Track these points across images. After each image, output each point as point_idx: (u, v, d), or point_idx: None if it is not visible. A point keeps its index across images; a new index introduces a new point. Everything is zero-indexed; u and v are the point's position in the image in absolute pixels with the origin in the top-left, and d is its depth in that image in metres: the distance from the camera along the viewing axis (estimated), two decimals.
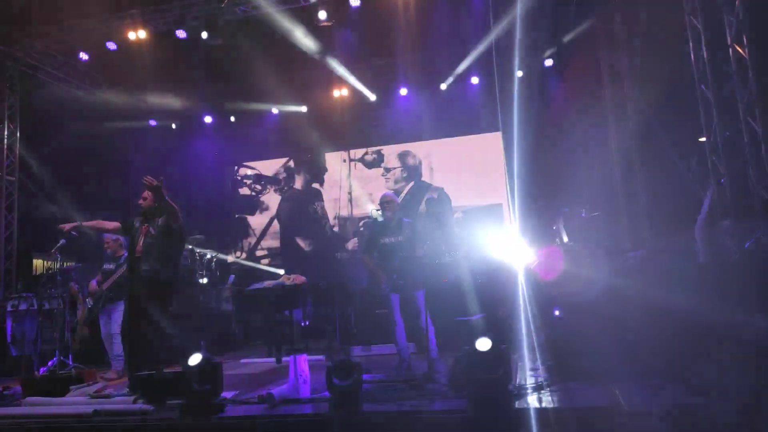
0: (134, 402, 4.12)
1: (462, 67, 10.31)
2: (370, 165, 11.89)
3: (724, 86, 4.07)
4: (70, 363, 6.34)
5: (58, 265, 6.62)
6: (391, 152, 11.76)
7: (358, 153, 11.98)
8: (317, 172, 12.17)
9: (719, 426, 2.44)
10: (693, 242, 4.75)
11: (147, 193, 5.02)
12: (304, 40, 9.16)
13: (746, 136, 3.96)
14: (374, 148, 11.87)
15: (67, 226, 5.01)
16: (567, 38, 9.97)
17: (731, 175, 3.82)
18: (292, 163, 12.36)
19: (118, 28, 8.72)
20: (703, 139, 4.04)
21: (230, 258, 7.95)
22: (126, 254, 6.43)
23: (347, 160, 12.03)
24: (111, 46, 8.81)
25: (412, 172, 11.57)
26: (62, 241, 6.47)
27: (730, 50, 4.04)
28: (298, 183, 12.27)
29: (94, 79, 10.56)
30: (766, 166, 3.77)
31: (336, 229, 11.60)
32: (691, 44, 4.19)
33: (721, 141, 3.86)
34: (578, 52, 10.37)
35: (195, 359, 3.94)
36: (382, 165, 11.72)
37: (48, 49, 9.31)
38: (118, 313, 6.30)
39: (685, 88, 4.53)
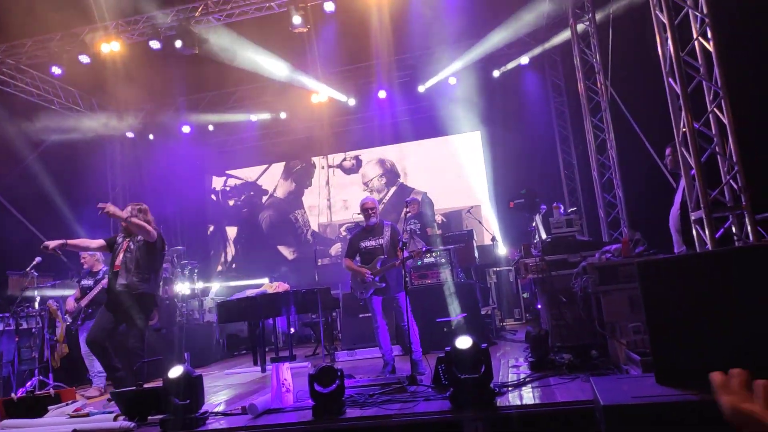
0: (115, 419, 4.06)
1: (440, 68, 10.36)
2: (348, 171, 11.89)
3: (692, 79, 4.12)
4: (51, 382, 6.23)
5: (34, 284, 6.51)
6: (370, 157, 11.78)
7: (336, 159, 11.99)
8: (300, 180, 12.15)
9: (692, 419, 2.45)
10: (668, 233, 4.82)
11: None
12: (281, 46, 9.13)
13: (714, 128, 4.02)
14: (353, 153, 11.88)
15: (52, 244, 4.96)
16: (543, 35, 10.09)
17: (701, 167, 3.87)
18: (273, 170, 12.32)
19: (90, 41, 8.62)
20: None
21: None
22: (104, 269, 6.38)
23: (326, 167, 12.03)
24: (84, 59, 8.70)
25: (392, 176, 11.59)
26: (38, 259, 6.37)
27: (696, 44, 4.09)
28: (279, 191, 12.23)
29: (68, 93, 10.44)
30: (734, 157, 3.82)
31: (316, 235, 11.58)
32: (658, 39, 4.23)
33: (690, 133, 3.91)
34: (554, 49, 10.50)
35: (175, 372, 3.89)
36: (360, 171, 11.75)
37: (20, 63, 9.18)
38: None
39: (656, 81, 4.58)
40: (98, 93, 10.56)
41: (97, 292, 6.19)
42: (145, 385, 4.31)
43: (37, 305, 6.64)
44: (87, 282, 6.33)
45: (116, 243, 5.18)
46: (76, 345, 6.40)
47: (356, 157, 11.87)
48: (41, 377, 6.27)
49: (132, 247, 5.07)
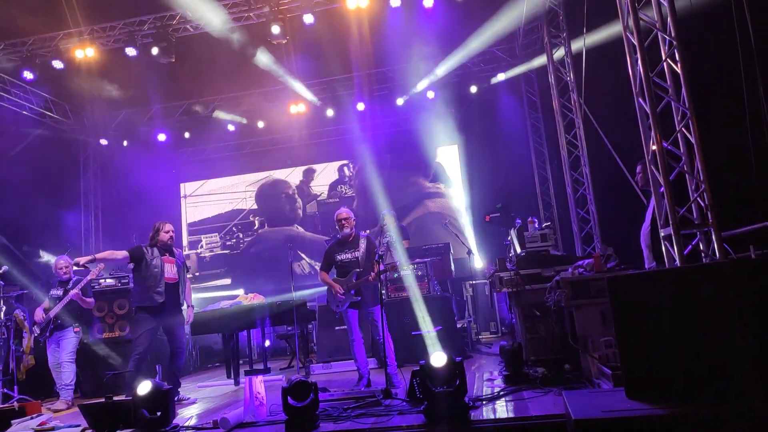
0: None
1: (418, 82, 10.47)
2: (326, 181, 11.91)
3: (661, 100, 4.24)
4: (15, 395, 6.04)
5: (1, 293, 6.33)
6: (347, 168, 11.80)
7: (316, 168, 11.98)
8: (280, 188, 12.11)
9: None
10: (639, 249, 4.93)
11: (170, 227, 5.64)
12: (259, 56, 9.12)
13: (682, 147, 4.14)
14: (333, 163, 11.90)
15: (83, 261, 5.18)
16: (519, 52, 10.29)
17: (669, 185, 3.98)
18: (250, 180, 12.25)
19: (64, 46, 8.50)
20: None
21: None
22: (75, 278, 6.24)
23: (304, 176, 12.02)
24: (57, 64, 8.56)
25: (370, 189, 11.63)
26: (4, 268, 6.22)
27: (665, 65, 4.22)
28: (257, 200, 12.16)
29: (40, 98, 10.24)
30: (701, 175, 3.94)
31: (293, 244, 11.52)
32: (628, 59, 4.36)
33: (659, 152, 4.02)
34: (530, 65, 10.70)
35: (144, 387, 3.82)
36: (339, 186, 11.76)
37: None
38: (68, 340, 6.09)
39: (626, 99, 4.71)
40: (72, 99, 10.38)
41: (66, 302, 6.04)
42: (114, 398, 4.20)
43: (2, 315, 6.44)
44: (56, 292, 6.17)
45: (145, 255, 5.39)
46: (44, 357, 6.22)
47: (338, 167, 11.87)
48: (5, 390, 6.08)
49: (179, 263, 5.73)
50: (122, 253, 5.41)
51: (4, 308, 6.44)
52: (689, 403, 2.67)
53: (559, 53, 8.37)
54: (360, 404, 4.18)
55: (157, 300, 5.29)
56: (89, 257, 5.24)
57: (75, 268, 5.35)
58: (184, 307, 5.71)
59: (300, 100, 10.85)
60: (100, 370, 6.71)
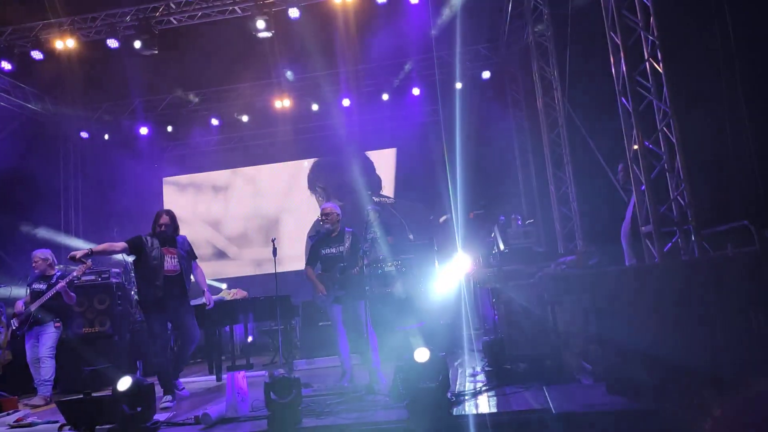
0: (59, 430, 3.90)
1: (404, 78, 10.48)
2: (311, 177, 11.86)
3: (643, 99, 4.30)
4: None
5: None
6: (333, 163, 11.77)
7: (301, 164, 11.93)
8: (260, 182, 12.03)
9: (640, 427, 2.55)
10: (620, 246, 5.00)
11: (165, 218, 5.26)
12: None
13: (663, 145, 4.20)
14: (315, 159, 11.86)
15: (79, 254, 4.96)
16: (504, 50, 10.35)
17: (650, 183, 4.04)
18: (233, 174, 12.15)
19: (44, 36, 8.33)
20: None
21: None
22: (58, 273, 6.14)
23: (289, 172, 11.97)
24: (37, 55, 8.39)
25: (356, 182, 11.60)
26: None
27: (647, 65, 4.28)
28: (241, 194, 12.07)
29: (19, 89, 10.03)
30: (682, 174, 4.01)
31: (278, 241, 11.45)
32: (611, 58, 4.41)
33: (640, 151, 4.08)
34: (514, 64, 10.77)
35: (125, 383, 3.77)
36: (319, 183, 11.73)
37: None
38: (48, 335, 5.99)
39: (609, 98, 4.76)
40: (52, 91, 10.18)
41: (49, 296, 5.93)
42: (94, 394, 4.15)
43: None
44: (39, 286, 6.06)
45: (145, 246, 5.13)
46: (22, 352, 6.10)
47: (318, 162, 11.83)
48: None
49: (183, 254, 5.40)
50: (121, 245, 5.14)
51: None
52: (665, 398, 2.72)
53: (543, 49, 8.41)
54: (343, 399, 4.18)
55: (157, 294, 5.03)
56: (85, 251, 4.99)
57: (72, 262, 5.08)
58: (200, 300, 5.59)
59: (285, 95, 10.78)
60: (79, 366, 6.61)
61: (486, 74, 10.54)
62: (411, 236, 7.59)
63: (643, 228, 4.11)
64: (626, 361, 2.97)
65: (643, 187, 4.09)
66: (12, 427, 4.13)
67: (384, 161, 11.61)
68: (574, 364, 4.11)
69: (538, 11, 8.36)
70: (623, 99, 4.32)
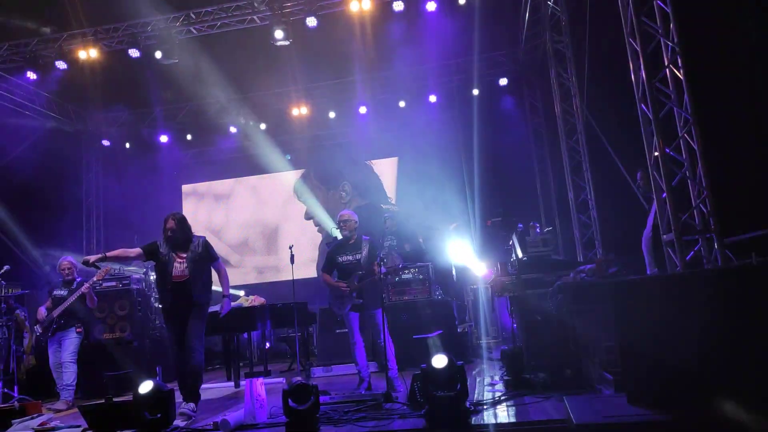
0: None
1: (421, 86, 10.51)
2: (328, 184, 11.91)
3: (663, 105, 4.25)
4: (15, 395, 6.03)
5: (2, 292, 6.34)
6: (349, 170, 11.81)
7: (317, 171, 12.00)
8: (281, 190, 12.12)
9: None
10: (640, 254, 4.93)
11: (171, 222, 4.97)
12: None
13: (684, 153, 4.15)
14: (332, 166, 11.91)
15: (93, 258, 4.85)
16: (522, 57, 10.33)
17: (672, 191, 3.98)
18: (252, 181, 12.26)
19: (68, 47, 8.53)
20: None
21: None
22: (79, 279, 6.24)
23: (306, 178, 12.04)
24: (61, 65, 8.59)
25: (371, 190, 11.62)
26: (6, 267, 6.22)
27: (667, 71, 4.24)
28: (260, 201, 12.17)
29: (43, 99, 10.27)
30: (704, 181, 3.95)
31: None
32: (631, 65, 4.37)
33: (661, 158, 4.03)
34: (532, 71, 10.73)
35: (146, 387, 3.82)
36: (342, 184, 11.77)
37: None
38: (70, 340, 6.09)
39: (629, 105, 4.72)
40: (75, 100, 10.40)
41: (72, 301, 6.04)
42: (115, 399, 4.20)
43: (3, 315, 6.45)
44: (60, 292, 6.17)
45: (158, 252, 4.96)
46: (45, 357, 6.21)
47: (337, 170, 11.89)
48: (6, 390, 6.07)
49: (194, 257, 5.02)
50: (135, 251, 4.99)
51: (5, 308, 6.45)
52: (689, 409, 2.67)
53: (561, 56, 8.37)
54: (361, 407, 4.18)
55: (167, 300, 4.90)
56: (99, 255, 4.89)
57: (84, 266, 5.06)
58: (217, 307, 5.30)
59: (302, 102, 10.87)
60: (100, 371, 6.70)
61: (503, 81, 10.52)
62: (421, 239, 7.58)
63: (664, 236, 4.06)
64: (649, 372, 2.92)
65: (664, 195, 4.03)
66: (36, 430, 4.20)
67: (398, 168, 11.61)
68: (595, 374, 4.06)
69: (556, 18, 8.34)
70: (643, 106, 4.27)
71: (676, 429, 2.53)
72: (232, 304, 6.84)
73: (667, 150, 4.12)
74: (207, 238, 5.12)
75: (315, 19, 8.05)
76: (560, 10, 8.19)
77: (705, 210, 3.96)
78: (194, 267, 4.90)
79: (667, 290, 3.00)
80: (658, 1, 4.23)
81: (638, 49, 4.23)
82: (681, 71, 4.10)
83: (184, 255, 4.94)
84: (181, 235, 4.97)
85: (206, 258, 5.03)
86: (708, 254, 3.96)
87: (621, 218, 6.88)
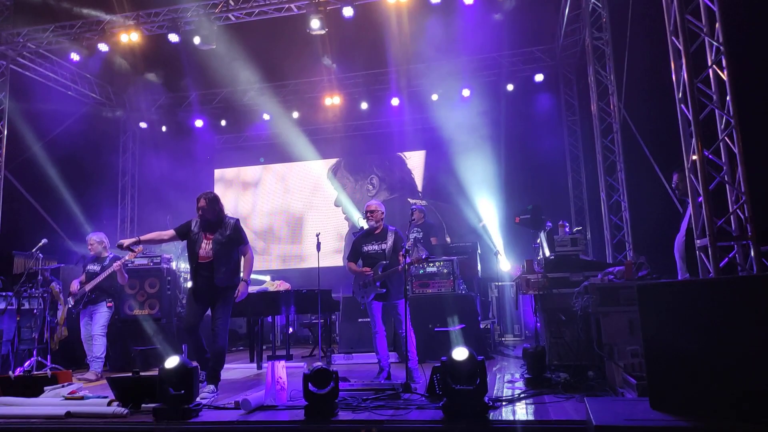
0: (109, 404, 4.08)
1: (455, 79, 10.43)
2: (357, 175, 11.95)
3: (704, 107, 4.13)
4: (48, 363, 6.28)
5: (39, 265, 6.58)
6: (379, 162, 11.83)
7: (347, 162, 12.05)
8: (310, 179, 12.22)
9: None
10: (672, 259, 4.81)
11: (203, 202, 4.93)
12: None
13: (724, 156, 4.02)
14: (363, 157, 11.95)
15: (127, 242, 4.85)
16: (559, 53, 10.15)
17: (709, 195, 3.87)
18: (280, 168, 12.39)
19: (110, 30, 8.74)
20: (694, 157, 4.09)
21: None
22: (111, 256, 6.44)
23: (336, 169, 12.10)
24: (103, 47, 8.80)
25: (400, 183, 11.62)
26: (44, 241, 6.45)
27: (710, 72, 4.10)
28: (287, 189, 12.29)
29: (85, 80, 10.56)
30: (743, 186, 3.83)
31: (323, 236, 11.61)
32: (672, 64, 4.25)
33: (699, 161, 3.91)
34: (569, 68, 10.54)
35: (171, 363, 3.92)
36: (370, 177, 11.79)
37: (40, 48, 9.31)
38: (100, 314, 6.30)
39: (668, 105, 4.59)
40: (115, 82, 10.67)
41: (103, 278, 6.24)
42: (141, 373, 4.33)
43: (40, 287, 6.69)
44: (93, 267, 6.38)
45: (191, 232, 4.95)
46: (76, 329, 6.44)
47: (366, 159, 11.91)
48: (39, 358, 6.32)
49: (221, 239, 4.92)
50: (169, 233, 5.01)
51: (41, 279, 6.69)
52: (715, 418, 2.61)
53: (600, 53, 8.19)
54: (379, 396, 4.21)
55: (192, 279, 4.90)
56: (133, 239, 4.89)
57: (119, 249, 5.09)
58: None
59: (335, 92, 10.91)
60: (129, 346, 6.91)
61: (539, 77, 10.36)
62: (448, 239, 7.56)
63: (698, 241, 3.94)
64: (675, 377, 2.86)
65: (701, 199, 3.92)
66: (66, 398, 4.36)
67: (428, 161, 11.57)
68: (617, 377, 4.00)
69: (597, 14, 8.16)
70: (683, 107, 4.15)
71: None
72: (257, 288, 6.98)
73: (706, 153, 3.99)
74: (239, 221, 5.04)
75: (351, 9, 8.05)
76: (601, 6, 8.01)
77: (742, 216, 3.83)
78: (219, 249, 4.82)
79: (700, 296, 2.92)
80: None
81: (681, 47, 4.10)
82: (725, 72, 3.96)
83: (212, 236, 4.88)
84: (211, 215, 4.91)
85: (235, 241, 4.93)
86: (743, 261, 3.83)
87: (653, 221, 6.73)
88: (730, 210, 3.91)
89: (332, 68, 10.09)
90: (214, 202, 4.95)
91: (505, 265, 9.10)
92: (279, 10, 8.51)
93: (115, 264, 6.24)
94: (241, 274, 5.03)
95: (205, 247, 4.85)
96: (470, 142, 10.65)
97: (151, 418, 3.82)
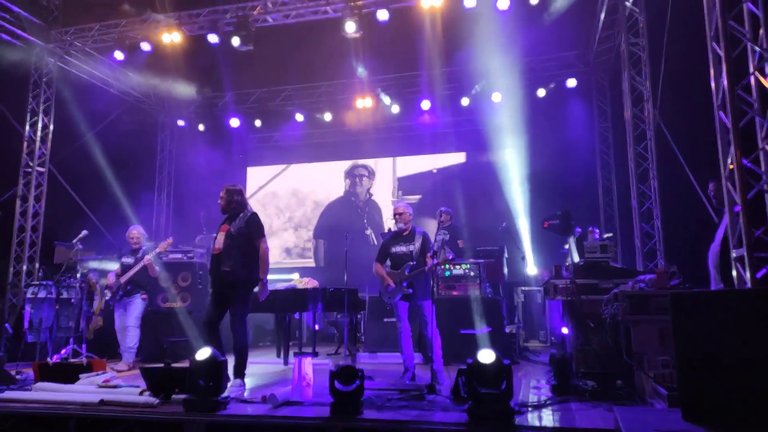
0: (140, 394, 4.20)
1: (486, 83, 10.39)
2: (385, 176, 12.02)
3: (744, 114, 4.04)
4: (83, 352, 6.48)
5: (79, 256, 6.81)
6: (408, 163, 11.87)
7: (379, 163, 12.13)
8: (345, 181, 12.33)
9: None
10: (705, 269, 4.71)
11: (222, 192, 4.99)
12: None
13: (764, 165, 3.92)
14: (391, 158, 12.01)
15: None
16: (593, 59, 10.02)
17: (746, 204, 3.78)
18: (313, 168, 12.53)
19: (153, 30, 8.99)
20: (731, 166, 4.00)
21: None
22: (144, 248, 6.63)
23: (368, 171, 12.19)
24: (145, 47, 9.06)
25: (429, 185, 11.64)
26: (84, 232, 6.68)
27: (752, 79, 4.01)
28: (318, 190, 12.43)
29: (127, 78, 10.89)
30: None
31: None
32: (712, 70, 4.17)
33: (737, 169, 3.83)
34: (602, 74, 10.39)
35: (202, 355, 4.01)
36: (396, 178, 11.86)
37: (86, 46, 9.63)
38: (134, 306, 6.49)
39: (704, 113, 4.51)
40: (155, 81, 10.96)
41: (137, 270, 6.42)
42: (173, 365, 4.44)
43: (78, 277, 6.93)
44: (127, 260, 6.58)
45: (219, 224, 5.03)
46: (111, 320, 6.64)
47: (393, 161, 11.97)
48: (75, 346, 6.54)
49: (233, 232, 4.88)
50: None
51: (80, 270, 6.93)
52: (749, 429, 2.56)
53: (636, 59, 8.06)
54: (404, 396, 4.23)
55: (210, 271, 4.98)
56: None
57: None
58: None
59: (367, 94, 10.99)
60: (161, 337, 7.08)
61: (572, 82, 10.24)
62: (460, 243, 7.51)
63: (734, 252, 3.86)
64: (709, 388, 2.81)
65: (738, 208, 3.83)
66: (100, 386, 4.50)
67: (458, 164, 11.55)
68: (647, 387, 3.93)
69: (634, 19, 8.03)
70: (721, 114, 4.06)
71: None
72: (285, 285, 7.08)
73: (745, 161, 3.91)
74: (257, 214, 4.97)
75: (387, 12, 8.11)
76: (639, 11, 7.88)
77: None
78: (231, 241, 4.75)
79: (737, 306, 2.86)
80: (749, 4, 4.01)
81: (722, 54, 4.02)
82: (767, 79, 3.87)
83: (227, 226, 4.86)
84: (227, 205, 4.91)
85: (247, 234, 4.80)
86: None
87: (686, 230, 6.59)
88: None
89: (363, 76, 10.20)
90: (231, 193, 4.93)
91: (532, 269, 9.02)
92: (315, 13, 8.63)
93: (145, 258, 6.42)
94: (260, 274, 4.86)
95: (220, 238, 4.84)
96: (500, 145, 10.60)
97: (181, 408, 3.91)
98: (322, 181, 12.38)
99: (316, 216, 12.29)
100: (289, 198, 12.54)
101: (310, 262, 11.97)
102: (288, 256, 12.13)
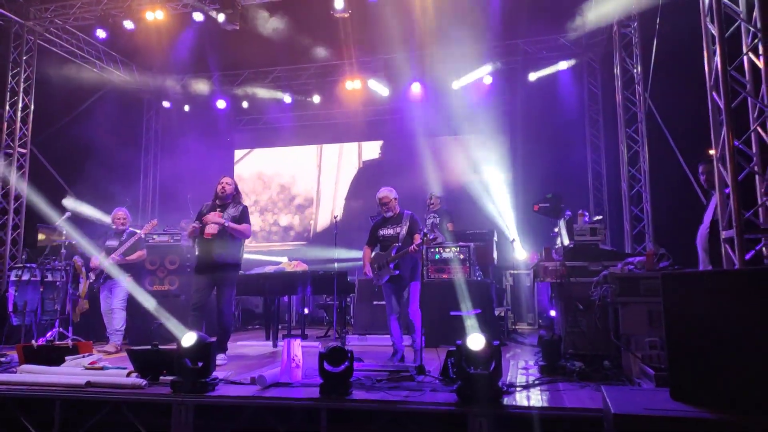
0: (128, 375, 4.16)
1: (476, 66, 10.30)
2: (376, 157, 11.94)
3: (737, 95, 4.02)
4: (70, 335, 6.42)
5: (62, 238, 6.70)
6: (398, 147, 11.79)
7: (366, 146, 12.03)
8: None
9: None
10: (694, 251, 4.73)
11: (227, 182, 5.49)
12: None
13: (755, 146, 3.92)
14: (381, 142, 11.92)
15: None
16: (585, 41, 9.95)
17: (737, 186, 3.78)
18: (301, 151, 12.41)
19: (136, 7, 8.76)
20: (712, 152, 4.00)
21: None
22: (129, 230, 6.54)
23: (357, 152, 12.11)
24: (128, 25, 8.84)
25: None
26: (68, 213, 6.56)
27: (744, 59, 3.99)
28: (306, 172, 12.33)
29: (110, 57, 10.64)
30: None
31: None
32: (705, 51, 4.14)
33: (729, 150, 3.82)
34: (593, 57, 10.34)
35: (189, 338, 3.97)
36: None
37: (67, 24, 9.38)
38: (119, 288, 6.41)
39: (695, 95, 4.49)
40: (139, 60, 10.73)
41: (127, 246, 6.35)
42: (160, 347, 4.39)
43: (62, 260, 6.82)
44: (112, 242, 6.49)
45: (202, 213, 5.45)
46: (97, 302, 6.56)
47: (383, 144, 11.87)
48: (61, 329, 6.46)
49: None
50: (197, 223, 5.39)
51: (64, 253, 6.82)
52: (737, 411, 2.56)
53: (627, 41, 8.02)
54: (393, 377, 4.22)
55: (197, 255, 5.44)
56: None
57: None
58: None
59: (356, 76, 10.85)
60: (148, 320, 7.01)
61: (563, 65, 10.18)
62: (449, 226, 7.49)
63: (724, 233, 3.86)
64: (697, 368, 2.81)
65: (728, 190, 3.83)
66: (87, 368, 4.44)
67: (448, 148, 11.49)
68: (634, 367, 3.96)
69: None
70: (714, 94, 4.04)
71: (723, 428, 2.44)
72: (274, 268, 7.03)
73: (737, 143, 3.90)
74: (248, 208, 5.54)
75: None
76: None
77: None
78: (224, 228, 5.26)
79: (727, 286, 2.86)
80: None
81: (715, 33, 3.99)
82: (761, 59, 3.85)
83: (220, 214, 5.35)
84: (229, 194, 5.45)
85: (239, 222, 5.37)
86: None
87: (674, 213, 6.62)
88: (759, 202, 3.82)
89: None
90: (235, 185, 5.53)
91: (521, 253, 9.04)
92: None
93: (128, 242, 6.38)
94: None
95: (211, 225, 5.29)
96: (490, 128, 10.55)
97: (169, 390, 3.88)
98: (308, 163, 12.28)
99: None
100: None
101: (293, 245, 11.94)
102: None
